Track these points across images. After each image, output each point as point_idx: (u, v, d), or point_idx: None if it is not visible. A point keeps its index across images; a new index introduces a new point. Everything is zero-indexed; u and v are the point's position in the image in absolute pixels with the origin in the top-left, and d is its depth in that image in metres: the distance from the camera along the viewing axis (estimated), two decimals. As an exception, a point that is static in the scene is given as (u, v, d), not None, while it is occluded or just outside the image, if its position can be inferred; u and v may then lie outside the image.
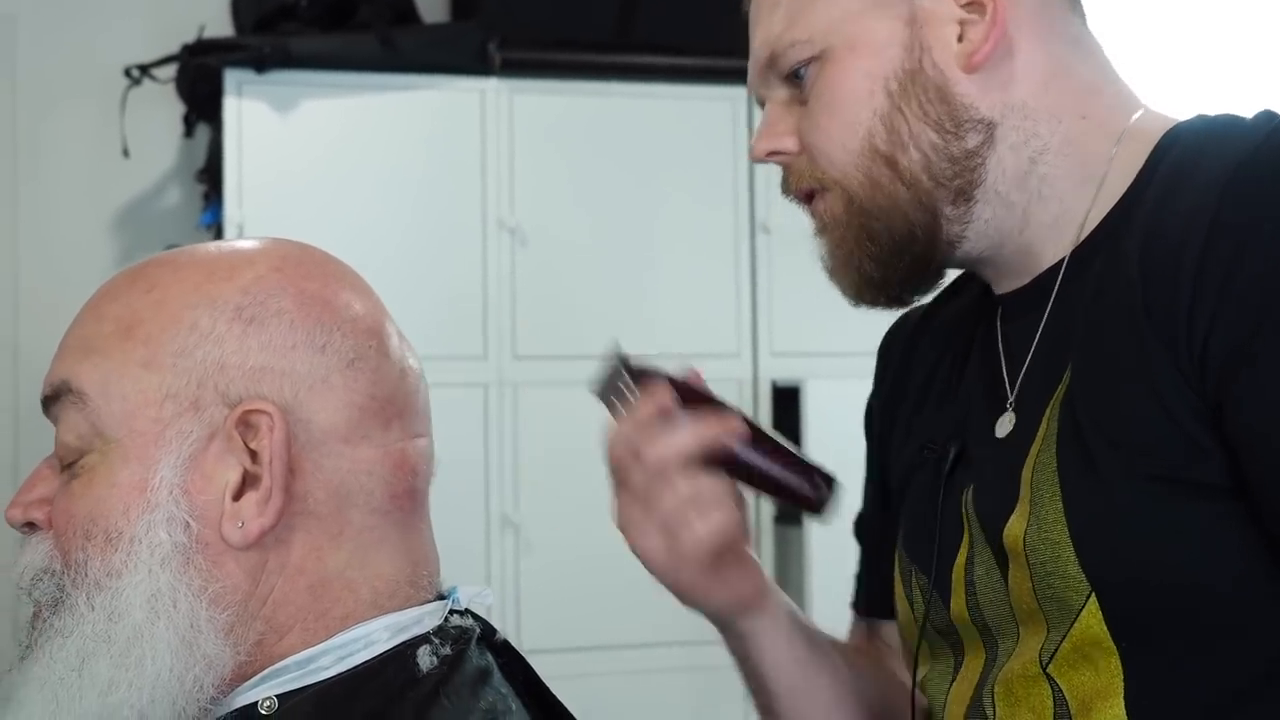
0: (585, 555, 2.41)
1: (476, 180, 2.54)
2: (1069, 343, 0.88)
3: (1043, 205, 0.91)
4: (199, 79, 2.48)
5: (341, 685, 0.78)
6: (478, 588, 0.90)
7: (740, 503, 0.95)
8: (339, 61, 2.47)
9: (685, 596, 0.97)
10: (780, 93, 0.95)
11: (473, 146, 2.55)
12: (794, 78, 0.93)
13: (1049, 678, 0.86)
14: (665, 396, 0.93)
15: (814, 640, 1.04)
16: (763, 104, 0.98)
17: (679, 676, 2.29)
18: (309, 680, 0.79)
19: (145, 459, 0.79)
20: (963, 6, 0.90)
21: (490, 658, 0.85)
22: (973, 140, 0.89)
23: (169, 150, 2.82)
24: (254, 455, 0.79)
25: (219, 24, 2.67)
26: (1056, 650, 0.86)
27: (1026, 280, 0.93)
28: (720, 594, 0.97)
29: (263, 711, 0.78)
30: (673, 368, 0.96)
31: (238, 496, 0.79)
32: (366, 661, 0.80)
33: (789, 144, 0.94)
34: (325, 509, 0.81)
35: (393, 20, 2.52)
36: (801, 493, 0.95)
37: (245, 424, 0.79)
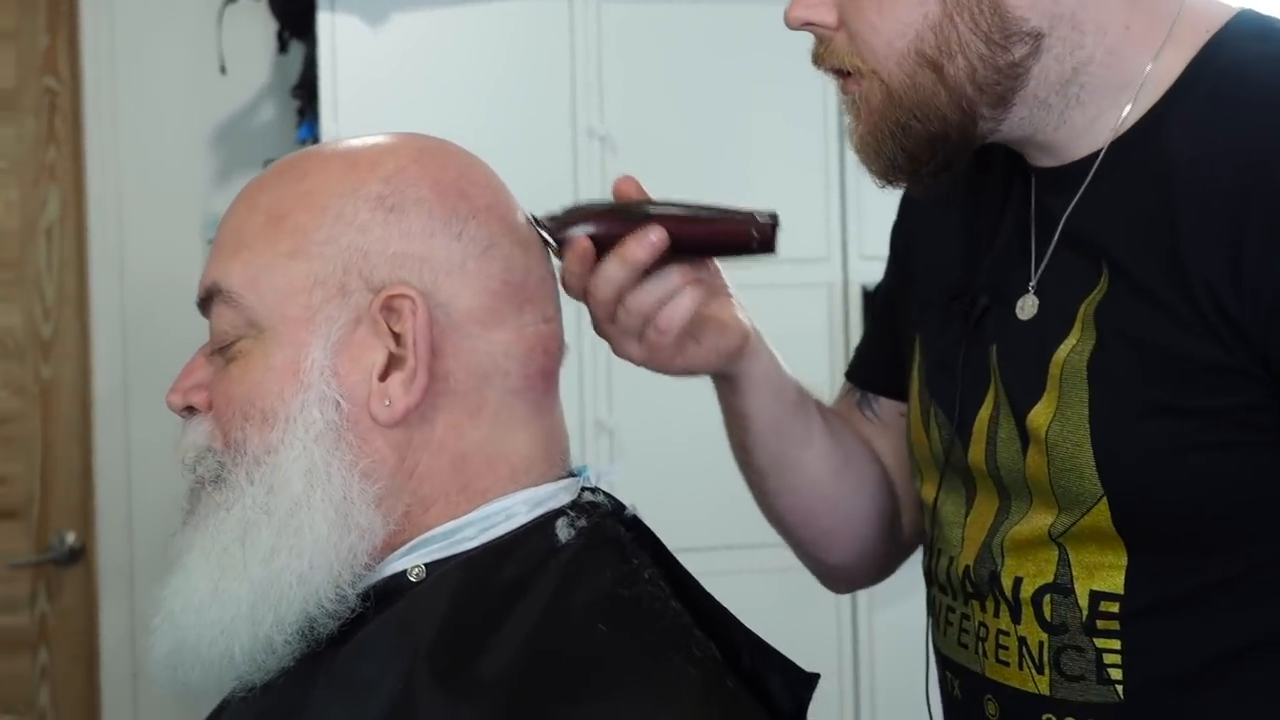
0: (677, 459, 2.46)
1: (566, 89, 2.56)
2: (1101, 244, 0.91)
3: (1080, 110, 0.93)
4: (292, -6, 2.51)
5: (488, 553, 0.83)
6: (606, 465, 0.94)
7: (690, 272, 0.95)
8: (429, -27, 2.49)
9: (677, 374, 1.00)
10: None
11: (562, 55, 2.56)
12: None
13: (1058, 544, 0.93)
14: (582, 252, 0.92)
15: (793, 384, 1.09)
16: None
17: (769, 578, 2.33)
18: (454, 550, 0.83)
19: (296, 343, 0.83)
20: None
21: (621, 530, 0.89)
22: (1019, 51, 0.90)
23: (263, 67, 2.86)
24: (397, 338, 0.83)
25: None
26: (1066, 530, 0.92)
27: (1060, 162, 0.95)
28: (705, 360, 1.00)
29: (411, 579, 0.83)
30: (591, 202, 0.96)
31: (383, 377, 0.83)
32: (509, 532, 0.84)
33: (828, 17, 0.94)
34: (464, 388, 0.85)
35: (480, -69, 2.53)
36: (749, 246, 0.95)
37: (389, 308, 0.83)
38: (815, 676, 0.90)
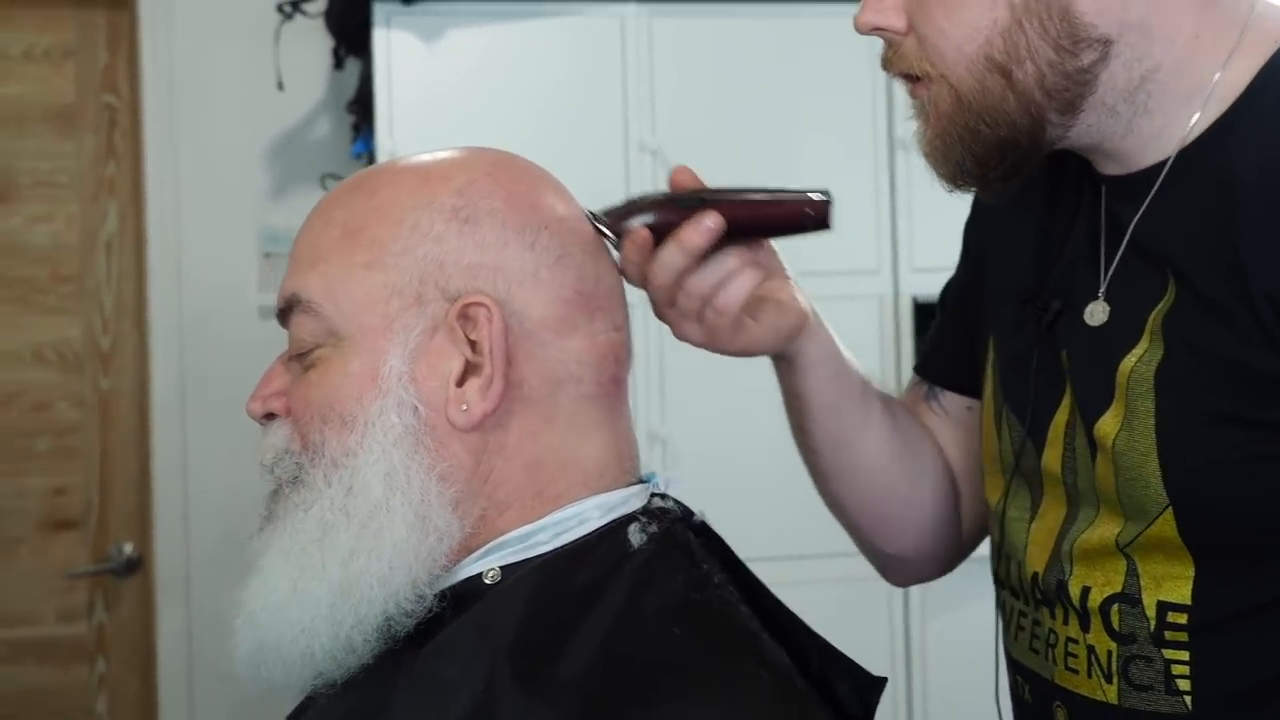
0: (731, 469, 2.47)
1: (618, 104, 2.58)
2: (1167, 253, 0.92)
3: (1148, 118, 0.92)
4: (348, 12, 2.55)
5: (562, 558, 0.84)
6: (674, 472, 0.95)
7: (747, 254, 0.96)
8: (483, -10, 2.52)
9: (736, 354, 1.00)
10: None
11: (614, 71, 2.58)
12: None
13: (1126, 555, 0.93)
14: (642, 241, 0.93)
15: (854, 368, 1.10)
16: None
17: (826, 588, 2.33)
18: (528, 554, 0.85)
19: (375, 350, 0.85)
20: None
21: (691, 536, 0.90)
22: (1088, 58, 0.90)
23: (318, 83, 2.90)
24: (473, 345, 0.84)
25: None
26: (1133, 540, 0.93)
27: (1127, 170, 0.95)
28: (764, 339, 1.00)
29: (487, 581, 0.84)
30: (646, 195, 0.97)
31: (460, 383, 0.84)
32: (583, 537, 0.85)
33: (898, 22, 0.94)
34: (539, 394, 0.86)
35: (533, -52, 2.56)
36: (803, 224, 0.95)
37: (465, 316, 0.84)
38: (883, 680, 0.90)
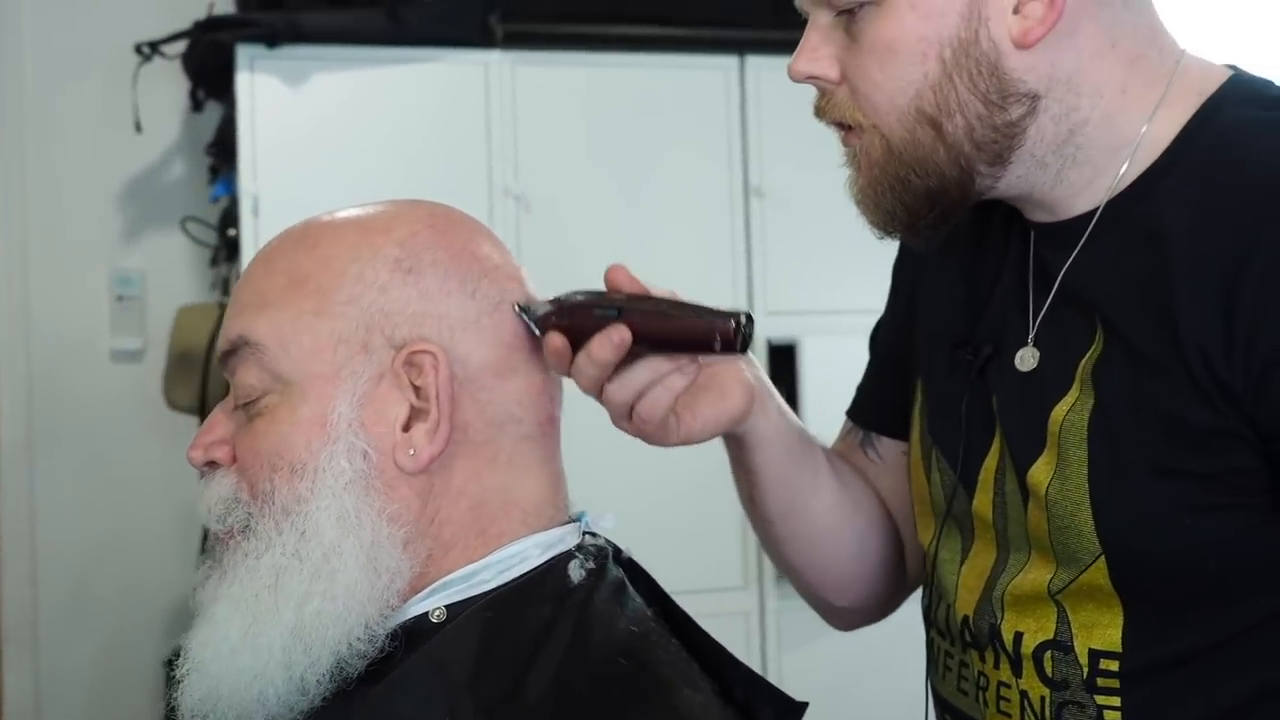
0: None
1: (482, 149, 2.62)
2: (1095, 301, 0.93)
3: (1077, 169, 0.94)
4: (210, 55, 2.53)
5: (511, 593, 0.87)
6: (599, 513, 0.99)
7: (668, 364, 0.94)
8: (347, 36, 2.53)
9: (677, 446, 0.98)
10: (825, 18, 0.95)
11: (478, 117, 2.63)
12: (847, 11, 0.93)
13: (1056, 602, 0.95)
14: (558, 350, 0.92)
15: (799, 432, 1.08)
16: (804, 20, 0.98)
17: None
18: (473, 592, 0.88)
19: (322, 397, 0.87)
20: None
21: (620, 571, 0.95)
22: (1017, 112, 0.92)
23: (173, 125, 2.87)
24: (417, 390, 0.88)
25: (222, 1, 2.73)
26: (1065, 587, 0.94)
27: (1056, 218, 0.97)
28: (703, 431, 0.97)
29: (434, 620, 0.87)
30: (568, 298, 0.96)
31: (405, 428, 0.87)
32: (526, 574, 0.89)
33: (831, 72, 0.95)
34: (482, 437, 0.90)
35: (396, -6, 2.59)
36: (710, 345, 0.93)
37: (410, 363, 0.88)
38: (804, 705, 0.96)
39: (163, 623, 2.84)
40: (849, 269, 2.73)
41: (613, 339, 0.91)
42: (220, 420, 0.93)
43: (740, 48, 2.75)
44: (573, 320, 0.93)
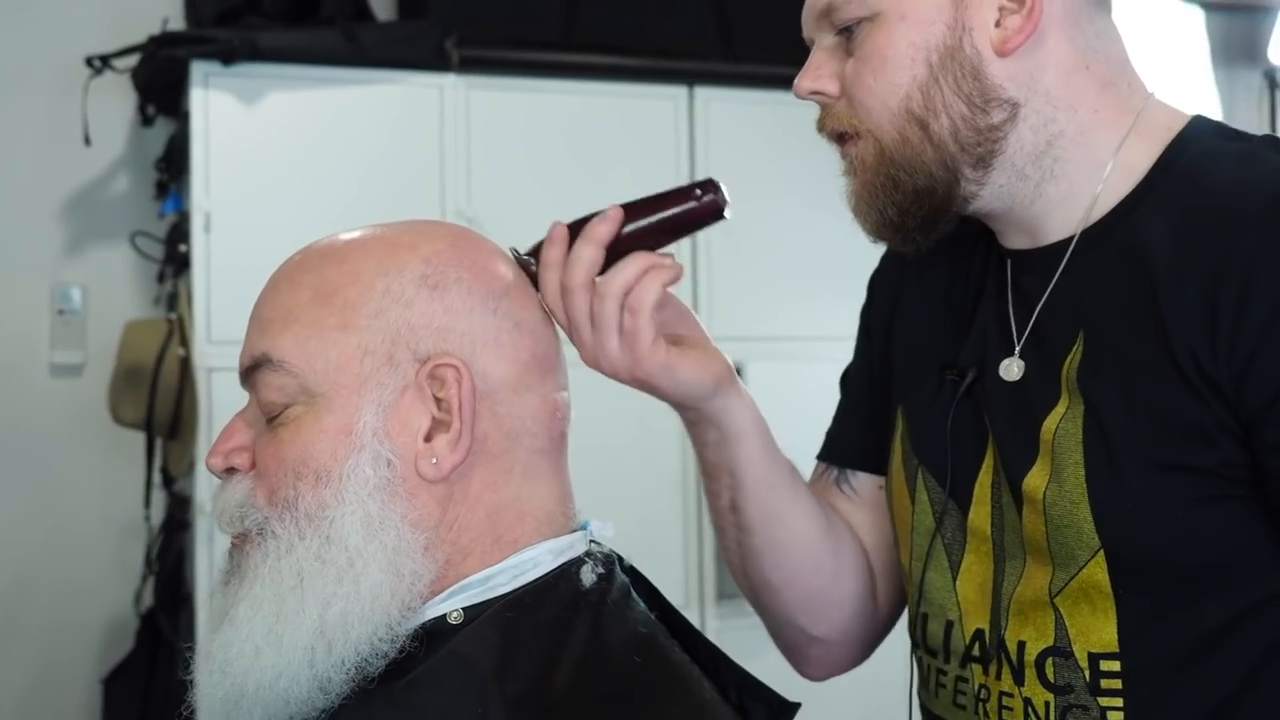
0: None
1: (435, 171, 2.65)
2: (1078, 314, 1.00)
3: (1054, 183, 1.02)
4: (163, 70, 2.53)
5: (528, 595, 0.91)
6: (601, 521, 1.03)
7: (653, 257, 1.01)
8: (303, 55, 2.54)
9: (659, 379, 1.03)
10: (829, 39, 1.04)
11: (432, 139, 2.66)
12: (845, 31, 1.02)
13: (1054, 607, 0.99)
14: (558, 236, 1.02)
15: (773, 439, 1.13)
16: (810, 45, 1.07)
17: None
18: (489, 595, 0.91)
19: (348, 406, 0.90)
20: None
21: (625, 577, 0.99)
22: (998, 116, 1.00)
23: (119, 140, 2.86)
24: (438, 403, 0.91)
25: (175, 17, 2.72)
26: (1063, 588, 0.99)
27: (1035, 244, 1.04)
28: (689, 369, 1.03)
29: (452, 621, 0.90)
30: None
31: (427, 439, 0.91)
32: (540, 578, 0.92)
33: (831, 87, 1.04)
34: (499, 449, 0.93)
35: (352, 17, 2.62)
36: (697, 215, 1.02)
37: (434, 376, 0.91)
38: (796, 705, 1.00)
39: (100, 640, 2.81)
40: (794, 296, 2.81)
41: (609, 214, 1.00)
42: (239, 427, 0.95)
43: (689, 78, 2.81)
44: (571, 231, 1.02)
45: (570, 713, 0.85)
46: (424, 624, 0.90)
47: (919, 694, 1.13)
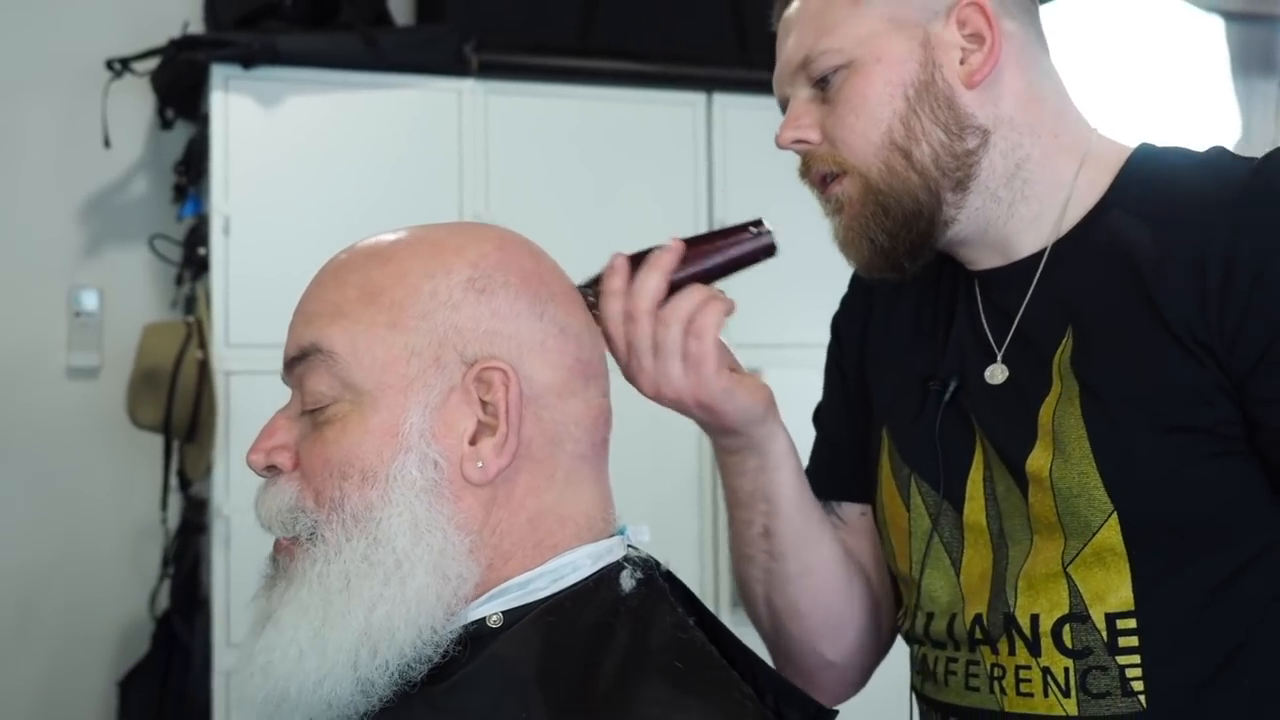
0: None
1: (454, 175, 2.66)
2: (1066, 310, 1.06)
3: (1025, 204, 1.10)
4: (183, 73, 2.54)
5: (568, 600, 0.91)
6: (638, 525, 1.03)
7: (712, 290, 1.10)
8: (323, 59, 2.55)
9: (721, 403, 1.10)
10: (805, 92, 1.12)
11: (450, 144, 2.66)
12: (821, 81, 1.10)
13: (1068, 575, 1.04)
14: (620, 266, 1.09)
15: (801, 464, 1.19)
16: (785, 103, 1.14)
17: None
18: (528, 599, 0.91)
19: (394, 407, 0.90)
20: (965, 37, 1.09)
21: (663, 583, 0.99)
22: (971, 142, 1.08)
23: (138, 142, 2.87)
24: (484, 406, 0.91)
25: (194, 20, 2.73)
26: (1076, 556, 1.03)
27: (1007, 260, 1.12)
28: (747, 393, 1.11)
29: (491, 625, 0.90)
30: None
31: (472, 442, 0.91)
32: (579, 582, 0.92)
33: (813, 135, 1.11)
34: (542, 453, 0.93)
35: (371, 21, 2.62)
36: (753, 254, 1.12)
37: (480, 380, 0.91)
38: (834, 712, 1.00)
39: (116, 642, 2.81)
40: (811, 303, 2.80)
41: (669, 244, 1.08)
42: (281, 425, 0.95)
43: (708, 85, 2.82)
44: (633, 263, 1.09)
45: (612, 717, 0.85)
46: (464, 627, 0.90)
47: (923, 688, 1.16)
